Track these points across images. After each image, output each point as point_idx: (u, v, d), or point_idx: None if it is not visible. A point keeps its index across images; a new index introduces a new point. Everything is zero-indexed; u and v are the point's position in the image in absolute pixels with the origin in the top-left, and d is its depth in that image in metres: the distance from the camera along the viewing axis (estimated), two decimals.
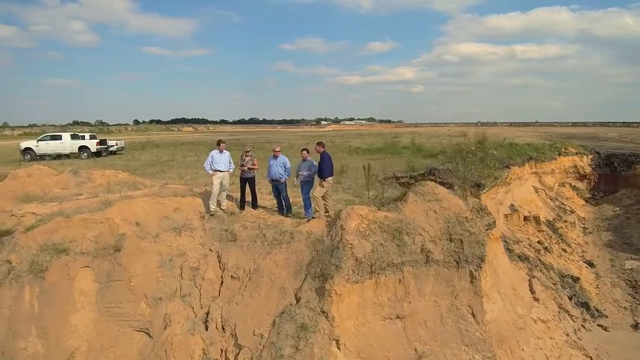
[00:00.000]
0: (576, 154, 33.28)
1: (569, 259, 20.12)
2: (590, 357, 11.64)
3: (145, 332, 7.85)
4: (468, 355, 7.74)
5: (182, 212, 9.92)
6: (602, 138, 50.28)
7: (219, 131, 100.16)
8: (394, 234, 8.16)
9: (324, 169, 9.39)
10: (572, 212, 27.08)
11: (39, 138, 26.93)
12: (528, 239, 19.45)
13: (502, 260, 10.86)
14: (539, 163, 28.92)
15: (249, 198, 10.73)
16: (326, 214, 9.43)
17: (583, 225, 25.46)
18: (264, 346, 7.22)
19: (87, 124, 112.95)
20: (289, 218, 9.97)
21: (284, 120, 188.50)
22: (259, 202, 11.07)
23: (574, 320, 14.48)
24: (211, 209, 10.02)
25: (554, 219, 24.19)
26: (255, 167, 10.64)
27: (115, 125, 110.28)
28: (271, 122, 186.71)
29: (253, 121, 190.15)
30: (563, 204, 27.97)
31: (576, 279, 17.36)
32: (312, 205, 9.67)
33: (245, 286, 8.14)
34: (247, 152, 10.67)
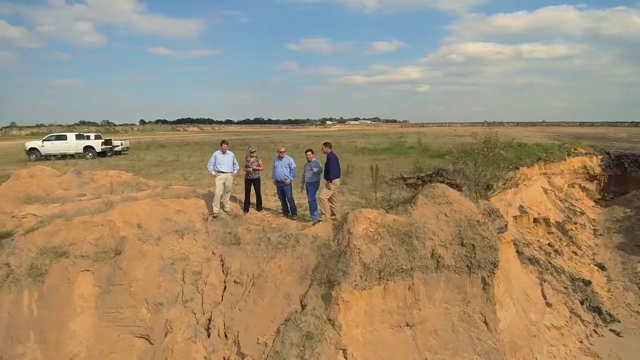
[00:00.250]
0: (586, 154, 32.84)
1: (579, 261, 19.73)
2: None
3: (146, 339, 7.62)
4: None
5: (184, 214, 9.68)
6: (612, 138, 49.67)
7: (224, 131, 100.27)
8: (403, 238, 7.87)
9: (331, 170, 9.11)
10: (582, 213, 26.64)
11: (44, 138, 26.92)
12: (538, 241, 19.07)
13: (514, 264, 10.52)
14: (548, 163, 28.53)
15: (253, 199, 10.47)
16: (332, 217, 9.15)
17: (593, 227, 25.03)
18: (267, 355, 6.96)
19: (94, 124, 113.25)
20: (294, 221, 9.70)
21: (288, 120, 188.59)
22: (263, 203, 10.81)
23: (585, 326, 14.12)
24: (214, 211, 9.78)
25: (563, 221, 23.79)
26: (260, 168, 10.37)
27: (121, 125, 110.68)
28: (276, 122, 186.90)
29: (258, 121, 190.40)
30: (573, 205, 27.53)
31: (587, 283, 16.99)
32: (318, 207, 9.39)
33: (249, 292, 7.87)
34: (252, 152, 10.40)
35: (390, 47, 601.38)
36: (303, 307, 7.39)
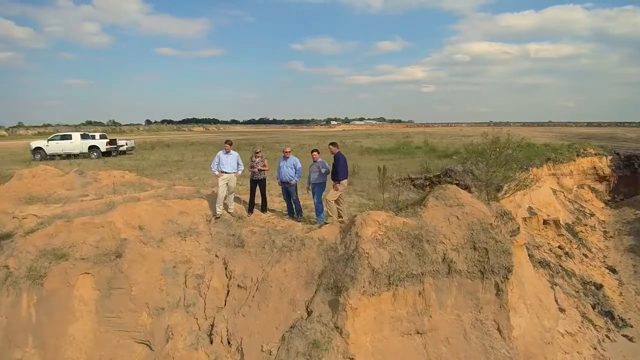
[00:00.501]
0: (595, 154, 32.34)
1: (590, 264, 19.31)
2: None
3: (147, 344, 7.37)
4: None
5: (187, 215, 9.44)
6: (621, 138, 48.98)
7: (229, 131, 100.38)
8: (414, 242, 7.55)
9: (339, 170, 8.83)
10: (592, 215, 26.17)
11: (49, 138, 26.93)
12: (548, 243, 18.68)
13: (527, 268, 10.18)
14: (557, 164, 28.06)
15: (258, 201, 10.19)
16: (339, 219, 8.87)
17: (603, 229, 24.57)
18: None
19: (100, 124, 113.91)
20: (299, 223, 9.43)
21: (293, 120, 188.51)
22: (268, 204, 10.54)
23: (597, 331, 13.74)
24: (217, 213, 9.52)
25: (573, 223, 23.36)
26: (266, 169, 10.11)
27: (127, 125, 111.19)
28: (281, 122, 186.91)
29: (263, 121, 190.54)
30: (582, 206, 27.06)
31: (599, 287, 16.58)
32: (324, 209, 9.11)
33: (253, 296, 7.59)
34: (257, 152, 10.14)
35: (394, 46, 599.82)
36: (309, 313, 7.09)
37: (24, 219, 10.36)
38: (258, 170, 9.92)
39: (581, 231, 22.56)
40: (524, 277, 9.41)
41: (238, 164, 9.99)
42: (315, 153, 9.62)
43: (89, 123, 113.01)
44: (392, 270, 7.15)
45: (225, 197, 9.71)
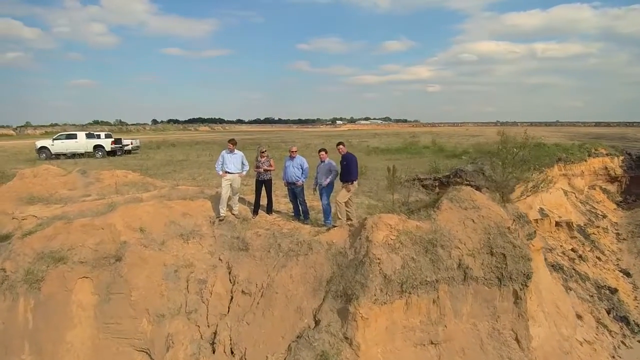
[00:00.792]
0: (606, 155, 31.65)
1: (604, 268, 18.76)
2: None
3: (146, 353, 7.05)
4: None
5: (190, 217, 9.10)
6: (632, 138, 48.07)
7: (234, 130, 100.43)
8: (427, 246, 7.15)
9: (351, 171, 8.45)
10: (604, 216, 25.56)
11: (54, 137, 26.95)
12: (561, 246, 18.17)
13: (544, 274, 9.74)
14: (568, 164, 27.48)
15: (263, 202, 9.83)
16: (348, 222, 8.48)
17: (616, 231, 23.97)
18: None
19: (107, 123, 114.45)
20: (306, 225, 9.05)
21: (299, 120, 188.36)
22: (274, 206, 10.17)
23: (613, 337, 13.26)
24: (221, 214, 9.17)
25: (585, 224, 22.80)
26: (272, 169, 9.73)
27: (134, 124, 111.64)
28: (286, 121, 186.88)
29: (268, 121, 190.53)
30: (594, 208, 26.45)
31: (614, 291, 16.05)
32: (333, 211, 8.73)
33: (258, 303, 7.22)
34: (263, 152, 9.77)
35: (400, 46, 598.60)
36: (317, 322, 6.70)
37: (23, 219, 10.09)
38: (264, 170, 9.56)
39: (593, 233, 22.00)
40: (541, 284, 8.97)
41: (243, 163, 9.61)
42: (323, 153, 9.23)
43: (96, 123, 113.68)
44: (405, 277, 6.74)
45: (230, 198, 9.36)
